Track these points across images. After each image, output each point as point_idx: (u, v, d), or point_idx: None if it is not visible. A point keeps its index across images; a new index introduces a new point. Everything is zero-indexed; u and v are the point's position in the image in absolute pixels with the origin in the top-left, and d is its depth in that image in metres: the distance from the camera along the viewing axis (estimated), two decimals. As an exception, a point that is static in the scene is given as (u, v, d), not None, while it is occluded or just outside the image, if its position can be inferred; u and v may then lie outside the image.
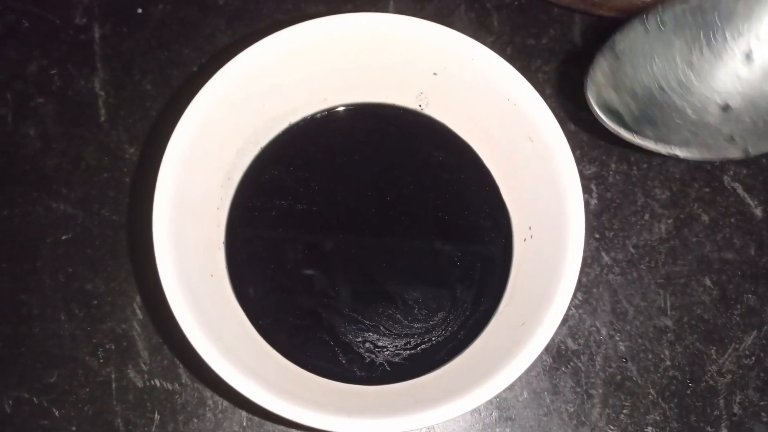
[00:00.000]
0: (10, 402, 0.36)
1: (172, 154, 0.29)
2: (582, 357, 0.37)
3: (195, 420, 0.36)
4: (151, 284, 0.36)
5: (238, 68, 0.30)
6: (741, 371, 0.37)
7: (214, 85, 0.30)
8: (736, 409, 0.37)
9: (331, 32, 0.31)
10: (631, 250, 0.39)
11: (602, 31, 0.42)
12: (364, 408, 0.28)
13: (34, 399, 0.36)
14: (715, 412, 0.37)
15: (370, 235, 0.34)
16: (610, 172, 0.40)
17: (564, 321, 0.37)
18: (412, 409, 0.27)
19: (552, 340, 0.37)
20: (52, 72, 0.41)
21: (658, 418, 0.37)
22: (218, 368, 0.27)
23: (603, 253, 0.39)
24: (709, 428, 0.37)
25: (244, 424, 0.36)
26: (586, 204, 0.39)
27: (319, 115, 0.35)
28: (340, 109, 0.35)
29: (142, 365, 0.36)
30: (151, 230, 0.28)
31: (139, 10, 0.42)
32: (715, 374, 0.37)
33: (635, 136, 0.30)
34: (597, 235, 0.39)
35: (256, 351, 0.31)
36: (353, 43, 0.31)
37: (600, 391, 0.37)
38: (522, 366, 0.27)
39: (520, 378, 0.36)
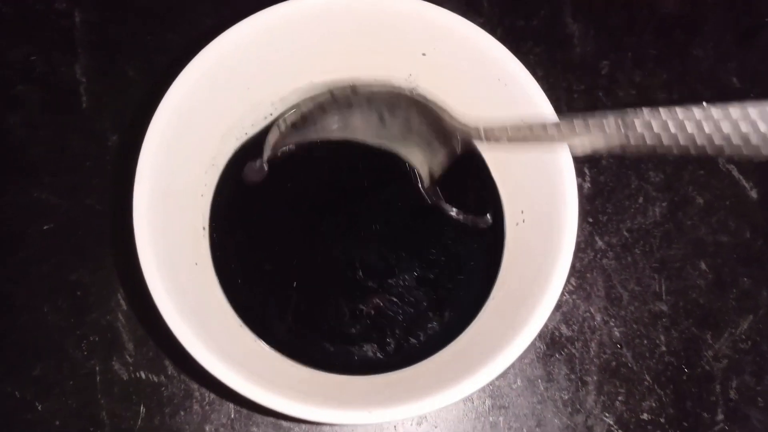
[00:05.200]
0: (-7, 396, 0.35)
1: (152, 141, 0.28)
2: (576, 343, 0.37)
3: (182, 412, 0.35)
4: (135, 275, 0.35)
5: (220, 49, 0.29)
6: (737, 356, 0.37)
7: (195, 68, 0.29)
8: (732, 394, 0.36)
9: (316, 11, 0.30)
10: (625, 234, 0.38)
11: (593, 12, 0.42)
12: (353, 399, 0.28)
13: (17, 393, 0.35)
14: (711, 398, 0.36)
15: (359, 220, 0.33)
16: (603, 155, 0.39)
17: (557, 307, 0.37)
18: (403, 398, 0.26)
19: (545, 326, 0.37)
20: (33, 58, 0.40)
21: (653, 404, 0.36)
22: (203, 360, 0.26)
23: (597, 238, 0.38)
24: (705, 414, 0.36)
25: (232, 416, 0.35)
26: (579, 188, 0.38)
27: (305, 98, 0.34)
28: (327, 91, 0.34)
29: (128, 357, 0.36)
30: (132, 219, 0.27)
31: (121, -7, 0.41)
32: (711, 359, 0.37)
33: None
34: (590, 219, 0.38)
35: (243, 342, 0.30)
36: (339, 22, 0.30)
37: (595, 378, 0.36)
38: (515, 353, 0.27)
39: (513, 365, 0.35)
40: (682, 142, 0.23)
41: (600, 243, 0.38)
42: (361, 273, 0.32)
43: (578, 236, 0.28)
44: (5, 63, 0.40)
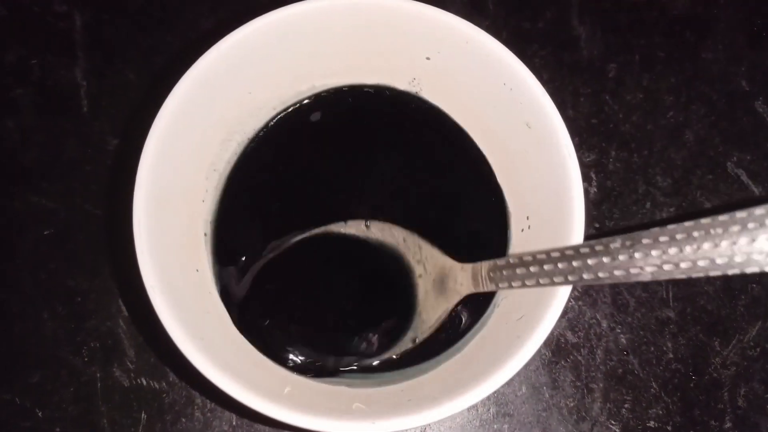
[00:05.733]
0: (-8, 403, 0.35)
1: (152, 145, 0.28)
2: (582, 350, 0.36)
3: (183, 419, 0.35)
4: (135, 280, 0.35)
5: (220, 55, 0.28)
6: (745, 363, 0.36)
7: (196, 72, 0.28)
8: (740, 402, 0.36)
9: (318, 15, 0.29)
10: (632, 239, 0.38)
11: (600, 14, 0.41)
12: (357, 409, 0.27)
13: (17, 400, 0.35)
14: (719, 406, 0.36)
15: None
16: (610, 160, 0.39)
17: (563, 313, 0.36)
18: (407, 409, 0.26)
19: (551, 333, 0.36)
20: (32, 62, 0.40)
21: (660, 412, 0.35)
22: (204, 369, 0.25)
23: (603, 243, 0.38)
24: (713, 422, 0.36)
25: (234, 423, 0.35)
26: (586, 192, 0.38)
27: (306, 102, 0.34)
28: (329, 96, 0.34)
29: (128, 364, 0.35)
30: (132, 225, 0.27)
31: (121, -4, 0.41)
32: (719, 366, 0.36)
33: None
34: (597, 225, 0.38)
35: (244, 350, 0.30)
36: (341, 26, 0.30)
37: (601, 385, 0.36)
38: (520, 362, 0.26)
39: (518, 372, 0.35)
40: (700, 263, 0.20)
41: (606, 248, 0.38)
42: (365, 280, 0.32)
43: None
44: (1, 66, 0.40)
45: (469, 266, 0.29)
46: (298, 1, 0.29)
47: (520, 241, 0.32)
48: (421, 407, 0.26)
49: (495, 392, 0.35)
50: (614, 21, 0.41)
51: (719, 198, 0.38)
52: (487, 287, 0.28)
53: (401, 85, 0.33)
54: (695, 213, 0.38)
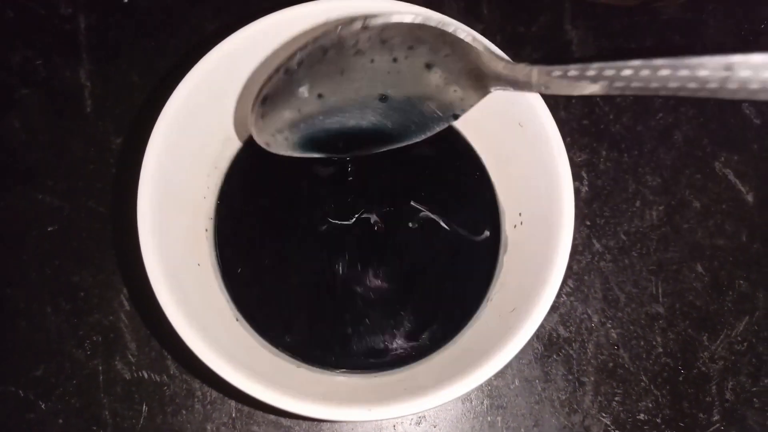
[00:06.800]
0: (-3, 395, 0.36)
1: (155, 144, 0.28)
2: (574, 344, 0.37)
3: (184, 411, 0.35)
4: (138, 276, 0.36)
5: (223, 55, 0.29)
6: (733, 357, 0.37)
7: (198, 73, 0.29)
8: (728, 395, 0.37)
9: (318, 17, 0.30)
10: (623, 237, 0.39)
11: (593, 18, 0.42)
12: (353, 396, 0.28)
13: (20, 392, 0.35)
14: (708, 399, 0.37)
15: (360, 223, 0.34)
16: (601, 159, 0.40)
17: (555, 308, 0.37)
18: (402, 397, 0.26)
19: (543, 327, 0.37)
20: (38, 63, 0.41)
21: (650, 404, 0.36)
22: (206, 359, 0.26)
23: (594, 241, 0.39)
24: (701, 415, 0.36)
25: (234, 414, 0.35)
26: (577, 191, 0.39)
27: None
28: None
29: (130, 357, 0.36)
30: (136, 221, 0.28)
31: (125, 0, 0.42)
32: (707, 360, 0.37)
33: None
34: (588, 223, 0.39)
35: (244, 341, 0.31)
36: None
37: (592, 378, 0.37)
38: (511, 353, 0.27)
39: (511, 366, 0.36)
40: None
41: (597, 246, 0.38)
42: (362, 274, 0.33)
43: (576, 239, 0.29)
44: (8, 67, 0.40)
45: (513, 65, 0.26)
46: (300, 3, 0.30)
47: (513, 236, 0.33)
48: (415, 395, 0.26)
49: (488, 385, 0.36)
50: (606, 25, 0.42)
51: (707, 196, 0.39)
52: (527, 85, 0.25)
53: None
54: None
